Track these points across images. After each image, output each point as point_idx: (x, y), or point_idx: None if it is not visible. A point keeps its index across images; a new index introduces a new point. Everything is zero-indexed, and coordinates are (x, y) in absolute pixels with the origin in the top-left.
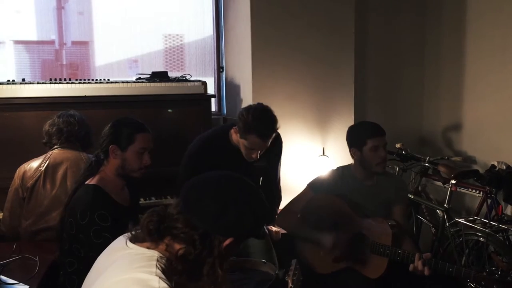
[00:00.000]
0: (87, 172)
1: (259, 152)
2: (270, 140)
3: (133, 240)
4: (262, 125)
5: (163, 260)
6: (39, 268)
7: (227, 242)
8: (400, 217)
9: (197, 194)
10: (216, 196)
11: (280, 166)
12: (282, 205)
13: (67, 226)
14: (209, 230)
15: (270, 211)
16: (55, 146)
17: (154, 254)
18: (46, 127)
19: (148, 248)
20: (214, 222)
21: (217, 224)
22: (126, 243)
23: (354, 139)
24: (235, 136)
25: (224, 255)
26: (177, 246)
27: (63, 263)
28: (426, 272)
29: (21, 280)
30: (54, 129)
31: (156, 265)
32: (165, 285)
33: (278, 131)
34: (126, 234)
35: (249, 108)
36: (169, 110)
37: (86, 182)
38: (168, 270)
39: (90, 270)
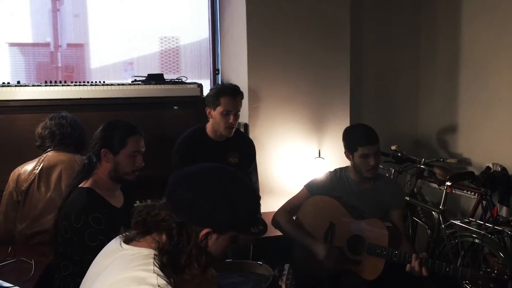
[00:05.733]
0: (81, 175)
1: (234, 114)
2: (240, 101)
3: (127, 241)
4: (228, 86)
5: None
6: (34, 271)
7: (203, 232)
8: (398, 221)
9: (175, 183)
10: (191, 185)
11: (256, 171)
12: (277, 206)
13: (61, 230)
14: (184, 219)
15: (256, 205)
16: (49, 149)
17: (151, 252)
18: (39, 130)
19: (142, 246)
20: (187, 210)
21: (190, 213)
22: (121, 245)
23: (347, 143)
24: (210, 124)
25: (203, 248)
26: (163, 239)
27: (58, 266)
28: (424, 273)
29: (16, 283)
30: (46, 132)
31: (154, 263)
32: (163, 281)
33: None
34: (119, 236)
35: (211, 88)
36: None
37: (80, 185)
38: (164, 267)
39: (86, 275)
